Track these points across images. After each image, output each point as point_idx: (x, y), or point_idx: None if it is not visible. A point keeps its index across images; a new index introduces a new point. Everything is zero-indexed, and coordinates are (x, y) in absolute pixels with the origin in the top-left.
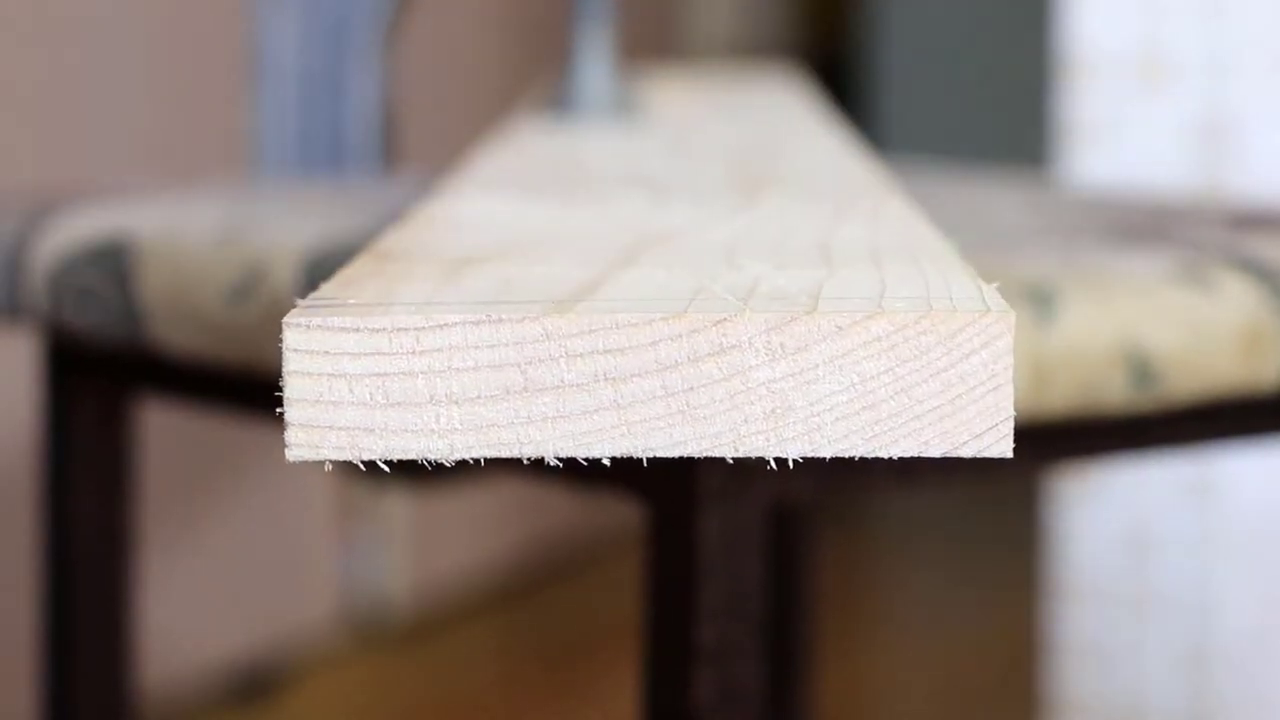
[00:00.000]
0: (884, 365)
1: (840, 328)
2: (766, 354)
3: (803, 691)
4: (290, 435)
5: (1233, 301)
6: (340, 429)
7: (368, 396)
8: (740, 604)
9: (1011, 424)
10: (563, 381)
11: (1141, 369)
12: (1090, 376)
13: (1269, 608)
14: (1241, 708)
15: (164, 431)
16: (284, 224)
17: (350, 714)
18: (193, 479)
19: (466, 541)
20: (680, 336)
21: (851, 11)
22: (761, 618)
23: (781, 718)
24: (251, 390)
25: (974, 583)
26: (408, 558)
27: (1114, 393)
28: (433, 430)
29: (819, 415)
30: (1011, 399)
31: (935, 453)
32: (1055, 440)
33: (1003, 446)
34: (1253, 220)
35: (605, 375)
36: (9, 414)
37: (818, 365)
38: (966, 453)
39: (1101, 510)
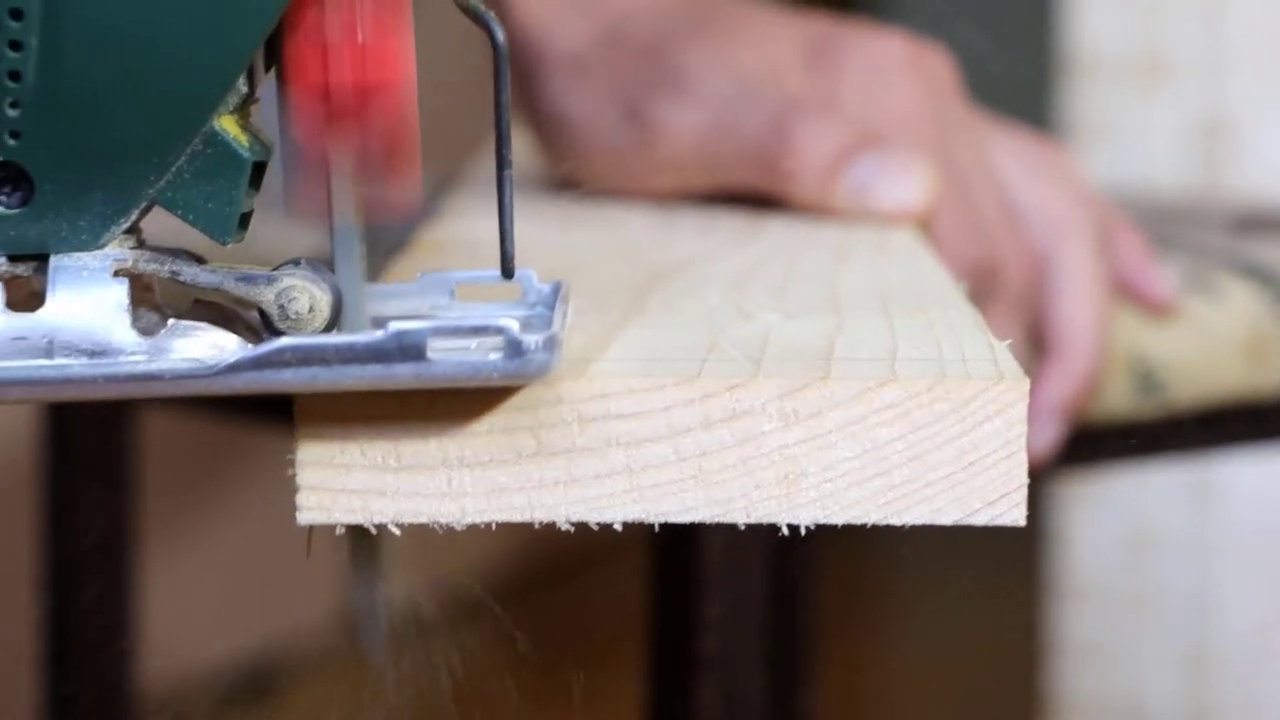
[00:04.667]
0: (897, 432)
1: (854, 394)
2: (780, 419)
3: (805, 697)
4: (301, 498)
5: (1236, 308)
6: (352, 492)
7: (380, 459)
8: (743, 613)
9: (1025, 492)
10: (574, 446)
11: (1145, 376)
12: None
13: (1269, 608)
14: (1241, 708)
15: (164, 433)
16: (282, 228)
17: (350, 714)
18: (193, 480)
19: (466, 542)
20: (693, 401)
21: (849, 12)
22: (764, 626)
23: None
24: (252, 395)
25: (974, 583)
26: (407, 558)
27: (1118, 400)
28: (445, 494)
29: (832, 481)
30: (1025, 467)
31: (947, 520)
32: (1059, 447)
33: (1016, 514)
34: (1255, 224)
35: (617, 440)
36: (13, 414)
37: (831, 431)
38: (979, 520)
39: (1101, 510)
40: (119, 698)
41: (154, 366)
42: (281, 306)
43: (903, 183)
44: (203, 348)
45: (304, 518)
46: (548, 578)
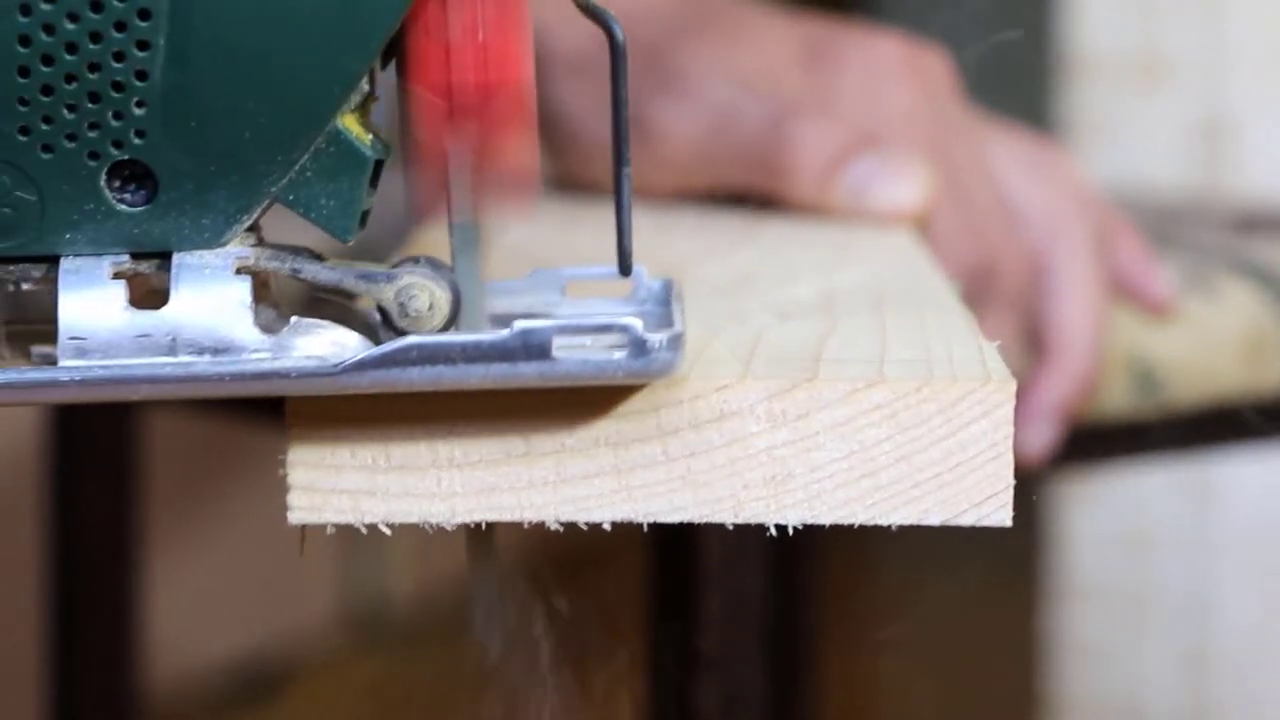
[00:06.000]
0: (885, 433)
1: (841, 395)
2: (768, 421)
3: (805, 695)
4: (292, 498)
5: (1236, 308)
6: (343, 492)
7: (370, 460)
8: (742, 610)
9: (1011, 493)
10: (563, 446)
11: (1145, 376)
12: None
13: (1269, 608)
14: (1241, 707)
15: (168, 432)
16: (284, 228)
17: (350, 714)
18: (194, 479)
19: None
20: (682, 402)
21: (847, 13)
22: (763, 623)
23: None
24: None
25: (974, 583)
26: (408, 558)
27: (1117, 400)
28: (434, 494)
29: (819, 482)
30: (1011, 468)
31: (934, 521)
32: (1058, 447)
33: (1002, 515)
34: (1255, 224)
35: (606, 440)
36: (17, 415)
37: (818, 432)
38: (965, 521)
39: (1101, 510)
40: (121, 696)
41: (279, 364)
42: (401, 304)
43: (900, 184)
44: (324, 345)
45: (295, 517)
46: (548, 575)
